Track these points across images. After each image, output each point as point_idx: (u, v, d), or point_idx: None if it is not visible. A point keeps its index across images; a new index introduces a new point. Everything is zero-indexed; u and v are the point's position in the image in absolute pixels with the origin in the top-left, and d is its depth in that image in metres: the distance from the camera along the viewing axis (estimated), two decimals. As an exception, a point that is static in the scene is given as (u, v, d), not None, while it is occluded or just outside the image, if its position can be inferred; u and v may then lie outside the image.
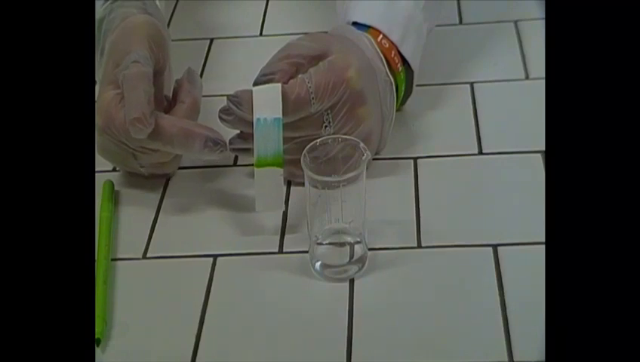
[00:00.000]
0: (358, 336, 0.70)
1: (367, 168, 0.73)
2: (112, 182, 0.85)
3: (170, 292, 0.76)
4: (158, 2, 0.90)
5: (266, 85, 0.79)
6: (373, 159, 0.84)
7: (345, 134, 0.78)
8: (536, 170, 0.83)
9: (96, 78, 0.84)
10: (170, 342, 0.72)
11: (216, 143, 0.78)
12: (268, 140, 0.77)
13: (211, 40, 1.04)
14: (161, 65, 0.83)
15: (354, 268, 0.75)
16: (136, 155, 0.81)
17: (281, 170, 0.77)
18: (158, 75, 0.82)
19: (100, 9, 0.86)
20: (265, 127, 0.77)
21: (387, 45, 0.84)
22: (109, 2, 0.86)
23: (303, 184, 0.74)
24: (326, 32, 0.86)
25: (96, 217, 0.80)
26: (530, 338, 0.68)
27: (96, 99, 0.80)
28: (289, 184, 0.83)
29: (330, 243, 0.76)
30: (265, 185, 0.77)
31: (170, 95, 0.85)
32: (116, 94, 0.79)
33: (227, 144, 0.80)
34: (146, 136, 0.77)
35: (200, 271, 0.77)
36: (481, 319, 0.71)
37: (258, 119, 0.78)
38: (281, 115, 0.77)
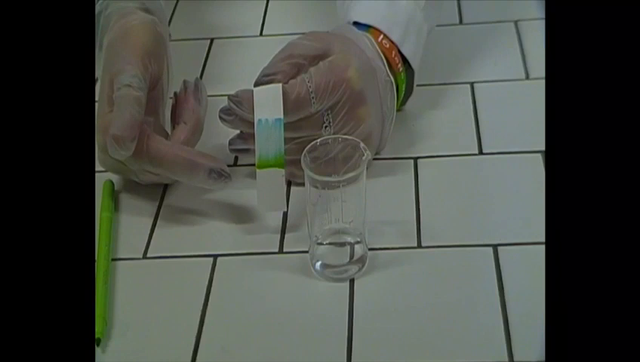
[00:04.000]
0: (358, 336, 0.70)
1: (367, 168, 0.73)
2: (112, 182, 0.85)
3: (170, 292, 0.76)
4: None
5: (267, 86, 0.79)
6: (374, 159, 0.84)
7: (345, 134, 0.78)
8: (536, 170, 0.83)
9: (96, 75, 0.84)
10: (170, 342, 0.72)
11: (220, 175, 0.78)
12: (269, 141, 0.77)
13: (211, 40, 1.04)
14: (157, 75, 0.82)
15: (354, 268, 0.75)
16: (137, 175, 0.81)
17: (282, 171, 0.77)
18: (155, 85, 0.82)
19: (96, 3, 0.86)
20: (266, 128, 0.77)
21: (388, 45, 0.84)
22: None
23: (303, 184, 0.74)
24: (326, 32, 0.86)
25: (97, 217, 0.80)
26: (530, 338, 0.68)
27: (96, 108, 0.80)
28: (289, 184, 0.83)
29: (330, 243, 0.76)
30: (267, 186, 0.77)
31: (172, 94, 0.85)
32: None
33: (230, 175, 0.79)
34: (122, 157, 0.77)
35: (200, 271, 0.77)
36: (481, 319, 0.71)
37: (259, 120, 0.78)
38: (282, 116, 0.77)
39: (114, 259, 0.78)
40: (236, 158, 0.87)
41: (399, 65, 0.84)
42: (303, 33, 0.85)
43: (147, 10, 0.85)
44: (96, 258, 0.76)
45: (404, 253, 0.77)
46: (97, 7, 0.85)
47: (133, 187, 0.85)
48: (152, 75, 0.81)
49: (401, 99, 0.87)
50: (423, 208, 0.80)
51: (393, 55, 0.84)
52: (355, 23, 0.85)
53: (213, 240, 0.80)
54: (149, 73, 0.80)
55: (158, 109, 0.83)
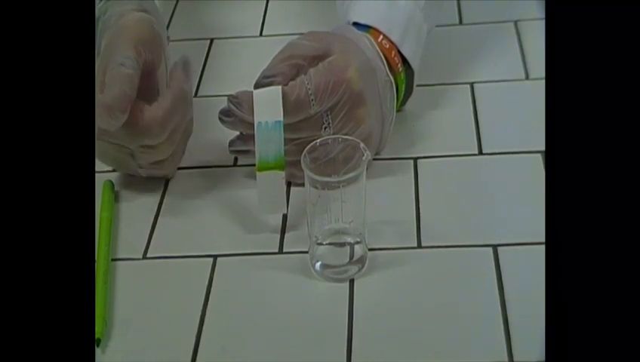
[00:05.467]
0: (358, 336, 0.70)
1: (367, 168, 0.73)
2: (112, 182, 0.85)
3: (170, 292, 0.76)
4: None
5: (266, 88, 0.79)
6: (374, 159, 0.84)
7: (345, 135, 0.78)
8: (536, 170, 0.83)
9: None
10: (170, 342, 0.72)
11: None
12: (269, 144, 0.77)
13: (211, 40, 1.04)
14: (152, 64, 0.82)
15: (354, 268, 0.75)
16: (134, 155, 0.81)
17: (282, 173, 0.77)
18: (149, 74, 0.82)
19: (96, 8, 0.86)
20: (266, 130, 0.77)
21: (387, 45, 0.84)
22: (103, 1, 0.85)
23: (303, 185, 0.74)
24: (326, 32, 0.86)
25: (97, 217, 0.80)
26: (530, 338, 0.68)
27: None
28: (289, 185, 0.83)
29: (330, 244, 0.76)
30: (267, 188, 0.77)
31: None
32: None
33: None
34: (112, 128, 0.77)
35: (200, 271, 0.77)
36: (481, 319, 0.71)
37: (259, 123, 0.78)
38: (282, 118, 0.77)
39: (114, 259, 0.78)
40: (236, 159, 0.87)
41: (399, 65, 0.84)
42: (302, 33, 0.85)
43: (145, 12, 0.85)
44: (96, 258, 0.77)
45: (404, 253, 0.77)
46: (97, 12, 0.85)
47: (134, 187, 0.85)
48: (146, 62, 0.81)
49: (400, 99, 0.87)
50: (423, 208, 0.80)
51: (393, 55, 0.84)
52: (355, 24, 0.85)
53: (213, 240, 0.80)
54: (142, 58, 0.80)
55: (152, 100, 0.83)
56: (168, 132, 0.80)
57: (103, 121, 0.76)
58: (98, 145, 0.81)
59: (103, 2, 0.86)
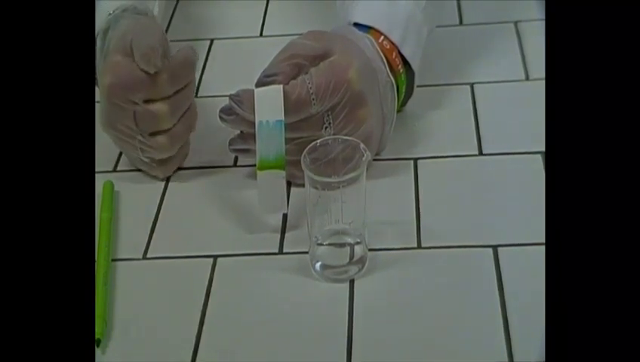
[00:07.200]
0: (358, 336, 0.70)
1: (367, 169, 0.73)
2: (112, 183, 0.85)
3: (170, 292, 0.76)
4: (158, 2, 0.90)
5: (268, 87, 0.79)
6: (374, 160, 0.84)
7: (345, 135, 0.78)
8: (536, 171, 0.83)
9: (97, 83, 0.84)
10: (170, 342, 0.72)
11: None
12: (270, 143, 0.77)
13: (211, 40, 1.04)
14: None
15: (354, 268, 0.75)
16: (136, 112, 0.81)
17: (283, 173, 0.77)
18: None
19: (104, 19, 0.85)
20: (267, 129, 0.77)
21: (388, 46, 0.84)
22: (112, 15, 0.85)
23: (303, 185, 0.74)
24: (326, 32, 0.86)
25: (97, 218, 0.80)
26: (530, 338, 0.68)
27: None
28: (289, 184, 0.83)
29: (330, 244, 0.76)
30: (268, 187, 0.77)
31: None
32: (126, 57, 0.80)
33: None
34: (154, 68, 0.79)
35: (200, 271, 0.77)
36: (481, 319, 0.71)
37: (260, 122, 0.78)
38: (283, 118, 0.77)
39: (114, 260, 0.78)
40: (236, 158, 0.87)
41: (400, 66, 0.84)
42: (302, 33, 0.85)
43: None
44: (96, 258, 0.76)
45: (404, 254, 0.77)
46: (105, 23, 0.85)
47: (133, 187, 0.85)
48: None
49: (401, 100, 0.87)
50: (423, 208, 0.80)
51: (394, 56, 0.84)
52: (356, 24, 0.85)
53: (213, 240, 0.80)
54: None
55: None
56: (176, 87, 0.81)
57: (147, 62, 0.79)
58: (106, 109, 0.81)
59: (112, 16, 0.85)
